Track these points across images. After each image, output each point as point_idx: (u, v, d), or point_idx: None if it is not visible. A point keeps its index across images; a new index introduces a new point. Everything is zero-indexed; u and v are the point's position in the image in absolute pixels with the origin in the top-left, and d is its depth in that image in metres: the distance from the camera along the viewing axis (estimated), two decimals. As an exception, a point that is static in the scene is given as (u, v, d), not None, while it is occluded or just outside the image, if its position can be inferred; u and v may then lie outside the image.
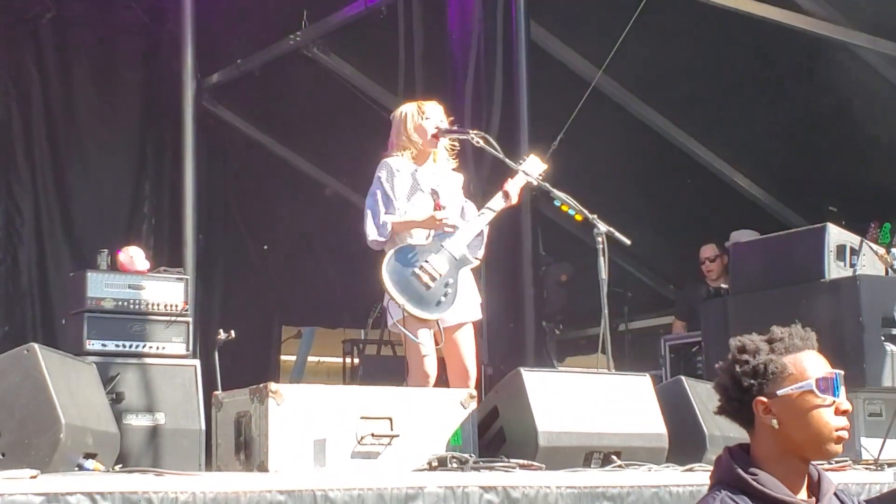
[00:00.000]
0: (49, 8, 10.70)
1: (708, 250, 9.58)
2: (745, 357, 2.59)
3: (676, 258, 11.97)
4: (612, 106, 10.55)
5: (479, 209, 5.98)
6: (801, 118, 9.94)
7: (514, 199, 5.92)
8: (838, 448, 2.56)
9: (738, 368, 2.59)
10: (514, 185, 5.92)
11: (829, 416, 2.53)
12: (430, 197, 5.83)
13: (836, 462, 4.82)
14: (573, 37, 10.31)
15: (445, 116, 5.96)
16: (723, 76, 10.02)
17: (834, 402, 2.54)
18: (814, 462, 2.61)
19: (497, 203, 5.88)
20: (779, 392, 2.55)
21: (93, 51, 11.12)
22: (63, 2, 10.78)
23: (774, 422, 2.54)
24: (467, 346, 5.85)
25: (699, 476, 4.75)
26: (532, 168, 6.02)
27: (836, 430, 2.54)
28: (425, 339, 5.66)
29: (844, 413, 2.55)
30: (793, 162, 10.48)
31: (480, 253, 5.93)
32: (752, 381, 2.57)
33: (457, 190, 6.00)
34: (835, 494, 2.62)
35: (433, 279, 5.67)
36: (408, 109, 5.94)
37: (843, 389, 2.56)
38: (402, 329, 5.63)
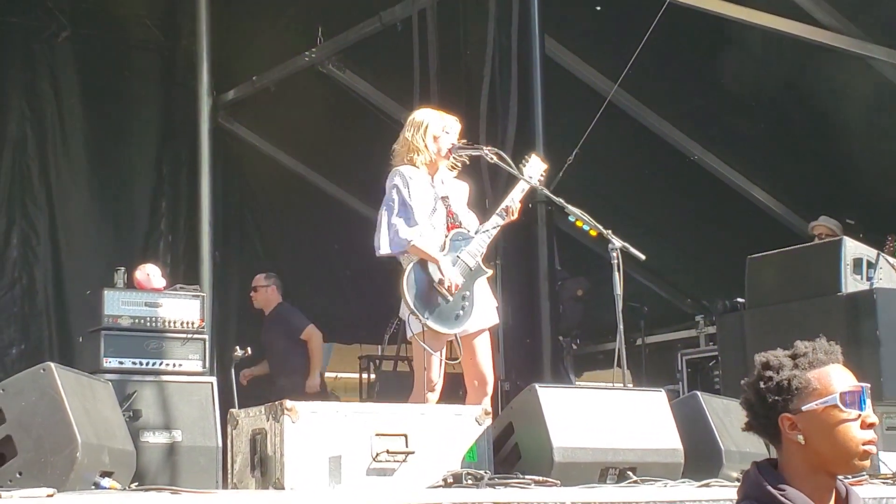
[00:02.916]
0: (64, 27, 10.76)
1: None
2: (769, 373, 2.58)
3: (693, 272, 11.95)
4: (627, 120, 10.54)
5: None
6: (817, 131, 9.92)
7: (515, 215, 5.92)
8: (866, 462, 2.54)
9: (762, 385, 2.58)
10: (512, 199, 5.91)
11: (856, 430, 2.52)
12: (442, 206, 5.84)
13: (854, 476, 4.79)
14: (588, 51, 10.32)
15: (459, 137, 5.98)
16: (738, 89, 10.00)
17: (860, 415, 2.53)
18: (852, 475, 2.61)
19: (498, 220, 5.88)
20: (803, 408, 2.54)
21: (108, 69, 11.17)
22: (78, 20, 10.84)
23: (800, 437, 2.54)
24: (484, 352, 5.85)
25: (715, 491, 4.73)
26: (533, 169, 6.01)
27: (863, 444, 2.52)
28: (439, 354, 5.68)
29: (871, 426, 2.53)
30: (809, 175, 10.45)
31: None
32: (777, 398, 2.56)
33: (463, 199, 6.02)
34: None
35: (451, 292, 5.68)
36: (432, 118, 5.94)
37: (869, 402, 2.55)
38: (422, 343, 5.63)
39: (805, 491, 2.53)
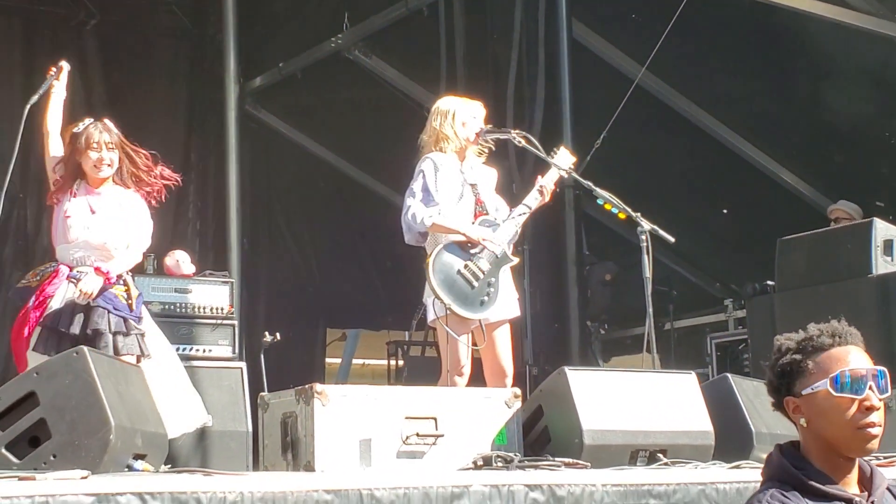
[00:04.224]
0: (93, 15, 10.80)
1: None
2: (777, 357, 2.62)
3: (722, 255, 11.91)
4: (655, 103, 10.51)
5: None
6: (847, 113, 9.86)
7: (548, 197, 5.91)
8: (869, 445, 2.53)
9: (771, 368, 2.63)
10: (548, 180, 5.91)
11: (851, 414, 2.51)
12: (471, 193, 5.84)
13: (885, 458, 4.78)
14: (616, 34, 10.29)
15: (485, 121, 5.99)
16: (767, 72, 9.95)
17: (855, 399, 2.51)
18: (864, 458, 2.60)
19: (532, 200, 5.87)
20: (803, 391, 2.56)
21: (136, 56, 11.22)
22: (107, 8, 10.88)
23: (803, 420, 2.56)
24: (504, 343, 5.86)
25: (746, 473, 4.72)
26: (563, 161, 6.01)
27: (860, 428, 2.51)
28: (465, 338, 5.69)
29: (869, 410, 2.51)
30: (839, 157, 10.40)
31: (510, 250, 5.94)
32: (782, 381, 2.60)
33: (492, 185, 6.01)
34: (888, 490, 2.61)
35: (477, 278, 5.68)
36: (455, 105, 5.94)
37: (871, 385, 2.53)
38: (445, 326, 5.64)
39: (826, 470, 2.53)
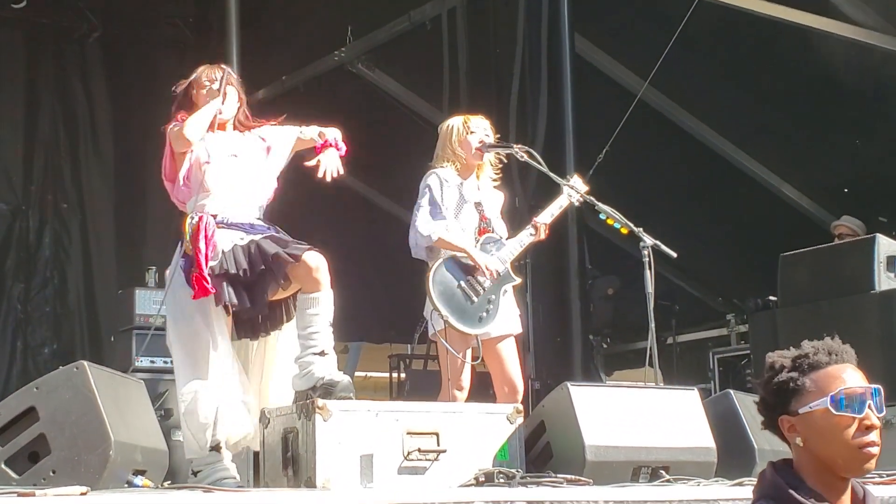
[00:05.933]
0: (96, 27, 10.82)
1: None
2: (771, 375, 2.59)
3: (724, 270, 11.89)
4: (658, 117, 10.51)
5: (521, 224, 5.98)
6: (849, 128, 9.86)
7: (543, 234, 5.90)
8: (868, 464, 2.50)
9: (765, 386, 2.60)
10: (544, 217, 5.90)
11: (851, 434, 2.48)
12: (475, 210, 5.83)
13: (888, 475, 4.76)
14: (618, 49, 10.29)
15: (492, 131, 5.97)
16: (769, 86, 9.96)
17: (855, 418, 2.49)
18: (859, 477, 2.59)
19: (526, 237, 5.87)
20: (800, 410, 2.53)
21: (138, 69, 11.22)
22: (110, 21, 10.90)
23: (798, 440, 2.53)
24: (512, 358, 5.84)
25: (748, 490, 4.68)
26: (573, 190, 6.00)
27: (861, 448, 2.48)
28: (464, 353, 5.68)
29: (868, 429, 2.49)
30: (842, 173, 10.39)
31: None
32: (776, 400, 2.57)
33: (497, 208, 6.01)
34: None
35: (477, 294, 5.68)
36: (454, 123, 5.96)
37: (869, 403, 2.50)
38: (443, 341, 5.64)
39: (819, 490, 2.51)
